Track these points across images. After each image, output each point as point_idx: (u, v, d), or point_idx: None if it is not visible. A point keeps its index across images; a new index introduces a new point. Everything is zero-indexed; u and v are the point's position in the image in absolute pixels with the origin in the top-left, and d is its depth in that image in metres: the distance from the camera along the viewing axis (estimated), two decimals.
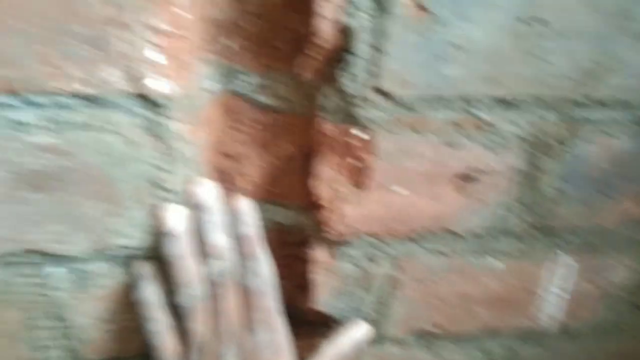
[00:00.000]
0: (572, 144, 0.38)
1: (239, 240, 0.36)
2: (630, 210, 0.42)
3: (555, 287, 0.46)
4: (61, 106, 0.31)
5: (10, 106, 0.31)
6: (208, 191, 0.37)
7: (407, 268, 0.42)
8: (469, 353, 0.49)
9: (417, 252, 0.41)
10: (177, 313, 0.36)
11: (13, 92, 0.30)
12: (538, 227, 0.42)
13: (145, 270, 0.37)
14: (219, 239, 0.36)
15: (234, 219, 0.37)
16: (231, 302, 0.35)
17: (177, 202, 0.36)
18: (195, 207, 0.36)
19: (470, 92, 0.34)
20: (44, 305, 0.38)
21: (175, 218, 0.35)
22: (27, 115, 0.31)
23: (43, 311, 0.38)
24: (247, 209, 0.38)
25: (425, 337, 0.46)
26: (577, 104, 0.36)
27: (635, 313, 0.48)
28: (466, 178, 0.38)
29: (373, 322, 0.44)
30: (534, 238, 0.43)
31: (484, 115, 0.36)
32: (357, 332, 0.42)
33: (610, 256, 0.45)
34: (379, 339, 0.45)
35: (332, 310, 0.43)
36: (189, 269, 0.35)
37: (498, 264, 0.43)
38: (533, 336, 0.49)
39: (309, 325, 0.45)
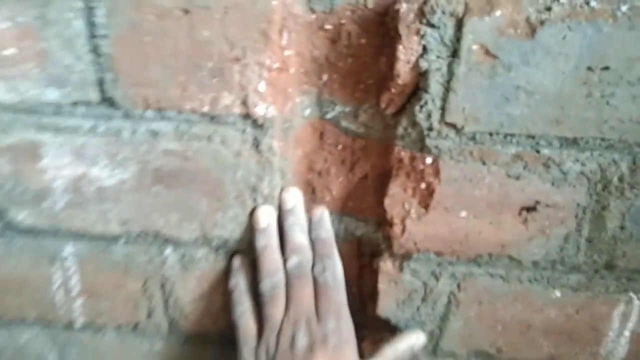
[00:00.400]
0: (638, 185, 0.39)
1: (317, 241, 0.43)
2: None
3: (623, 329, 0.46)
4: (189, 121, 0.39)
5: (150, 119, 0.40)
6: (295, 198, 0.44)
7: (468, 288, 0.45)
8: None
9: (477, 274, 0.44)
10: (258, 299, 0.43)
11: (153, 108, 0.39)
12: (603, 265, 0.43)
13: (239, 261, 0.44)
14: (300, 238, 0.42)
15: (314, 224, 0.43)
16: (305, 292, 0.41)
17: (270, 205, 0.43)
18: (284, 210, 0.43)
19: (535, 131, 0.38)
20: (157, 279, 0.47)
21: (267, 217, 0.42)
22: (161, 126, 0.40)
23: (156, 283, 0.47)
24: (326, 217, 0.44)
25: (482, 357, 0.49)
26: None
27: None
28: (529, 209, 0.41)
29: (432, 335, 0.48)
30: (600, 276, 0.44)
31: (547, 152, 0.39)
32: (414, 340, 0.46)
33: None
34: (436, 351, 0.49)
35: (394, 318, 0.47)
36: (273, 260, 0.41)
37: (561, 297, 0.45)
38: None
39: (376, 332, 0.50)
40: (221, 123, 0.39)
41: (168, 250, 0.46)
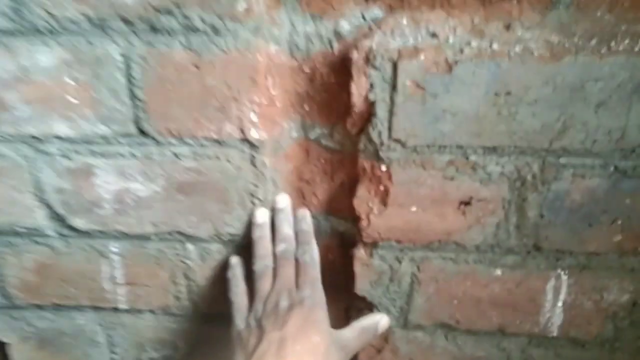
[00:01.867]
0: (549, 181, 0.50)
1: (300, 232, 0.55)
2: (614, 237, 0.52)
3: (556, 300, 0.56)
4: (202, 145, 0.53)
5: (173, 144, 0.54)
6: (285, 201, 0.56)
7: (426, 269, 0.56)
8: (486, 348, 0.61)
9: (432, 257, 0.56)
10: (250, 278, 0.55)
11: (175, 136, 0.53)
12: (532, 247, 0.54)
13: (236, 260, 0.58)
14: (288, 230, 0.55)
15: (297, 219, 0.56)
16: (289, 270, 0.53)
17: (264, 207, 0.56)
18: (276, 210, 0.56)
19: (462, 142, 0.49)
20: (182, 269, 0.60)
21: (263, 216, 0.55)
22: (182, 150, 0.54)
23: (181, 273, 0.60)
24: (307, 214, 0.57)
25: (445, 328, 0.60)
26: (548, 151, 0.49)
27: (631, 328, 0.56)
28: (465, 203, 0.52)
29: (401, 310, 0.59)
30: (532, 256, 0.55)
31: (474, 158, 0.50)
32: (378, 319, 0.57)
33: (603, 276, 0.54)
34: (407, 323, 0.60)
35: (370, 296, 0.58)
36: (265, 247, 0.54)
37: (501, 275, 0.56)
38: (544, 341, 0.59)
39: (359, 310, 0.62)
40: (225, 146, 0.53)
41: (189, 246, 0.59)
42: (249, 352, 0.47)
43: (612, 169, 0.49)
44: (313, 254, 0.54)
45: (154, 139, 0.53)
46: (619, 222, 0.51)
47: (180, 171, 0.54)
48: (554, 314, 0.57)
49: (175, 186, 0.55)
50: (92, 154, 0.54)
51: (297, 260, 0.54)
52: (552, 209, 0.52)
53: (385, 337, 0.62)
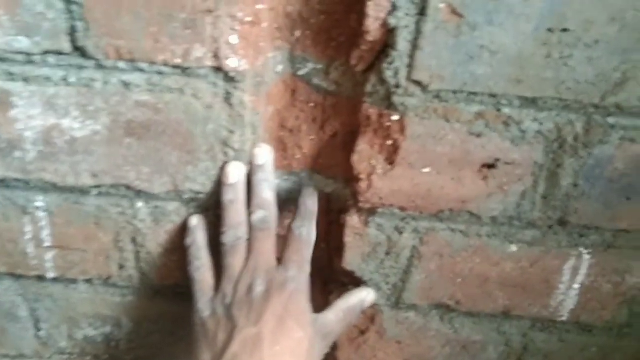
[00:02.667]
0: (592, 145, 0.42)
1: (303, 207, 0.45)
2: None
3: (573, 282, 0.49)
4: (160, 73, 0.40)
5: (122, 70, 0.40)
6: (266, 155, 0.45)
7: (430, 242, 0.47)
8: (484, 332, 0.54)
9: (439, 228, 0.47)
10: (217, 255, 0.44)
11: (126, 59, 0.40)
12: (557, 221, 0.46)
13: (197, 220, 0.46)
14: (268, 194, 0.43)
15: (303, 195, 0.46)
16: (268, 245, 0.42)
17: (240, 161, 0.44)
18: (254, 166, 0.44)
19: (497, 90, 0.40)
20: (129, 232, 0.48)
21: (237, 173, 0.43)
22: (133, 77, 0.40)
23: (128, 236, 0.48)
24: (315, 195, 0.47)
25: (442, 309, 0.52)
26: (598, 108, 0.40)
27: None
28: (489, 166, 0.43)
29: (395, 287, 0.50)
30: (553, 232, 0.47)
31: (508, 111, 0.41)
32: (365, 295, 0.48)
33: (627, 257, 0.48)
34: (399, 303, 0.51)
35: (359, 271, 0.49)
36: (239, 214, 0.43)
37: (517, 251, 0.48)
38: (549, 326, 0.53)
39: (342, 285, 0.52)
40: (193, 76, 0.40)
41: (140, 204, 0.46)
42: (217, 352, 0.37)
43: None
44: (311, 231, 0.44)
45: (95, 59, 0.39)
46: None
47: (130, 106, 0.41)
48: (567, 297, 0.50)
49: (123, 126, 0.42)
50: (9, 76, 0.40)
51: (291, 230, 0.43)
52: (590, 178, 0.43)
53: (372, 316, 0.53)
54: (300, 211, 0.45)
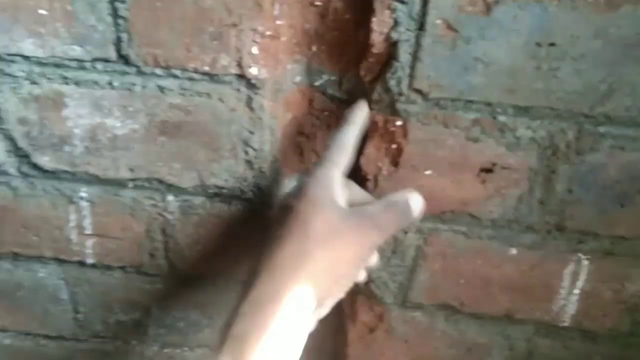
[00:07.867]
0: (584, 152, 0.44)
1: None
2: None
3: (573, 287, 0.51)
4: (191, 79, 0.45)
5: (158, 75, 0.46)
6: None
7: (433, 242, 0.50)
8: (489, 335, 0.56)
9: (442, 229, 0.50)
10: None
11: (162, 66, 0.45)
12: (555, 226, 0.48)
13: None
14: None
15: None
16: None
17: (260, 157, 0.49)
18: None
19: (491, 99, 0.43)
20: (159, 223, 0.53)
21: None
22: (168, 82, 0.46)
23: (158, 227, 0.53)
24: None
25: (447, 310, 0.54)
26: (588, 117, 0.43)
27: None
28: (487, 170, 0.46)
29: (401, 286, 0.53)
30: (552, 237, 0.49)
31: (503, 118, 0.44)
32: (409, 196, 0.43)
33: (626, 264, 0.49)
34: (405, 301, 0.54)
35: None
36: None
37: (517, 254, 0.50)
38: (552, 331, 0.54)
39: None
40: (219, 82, 0.45)
41: (170, 197, 0.52)
42: None
43: None
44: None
45: (136, 67, 0.45)
46: None
47: (165, 108, 0.47)
48: (568, 302, 0.52)
49: (158, 125, 0.48)
50: (64, 80, 0.47)
51: None
52: (583, 184, 0.46)
53: (380, 315, 0.56)
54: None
